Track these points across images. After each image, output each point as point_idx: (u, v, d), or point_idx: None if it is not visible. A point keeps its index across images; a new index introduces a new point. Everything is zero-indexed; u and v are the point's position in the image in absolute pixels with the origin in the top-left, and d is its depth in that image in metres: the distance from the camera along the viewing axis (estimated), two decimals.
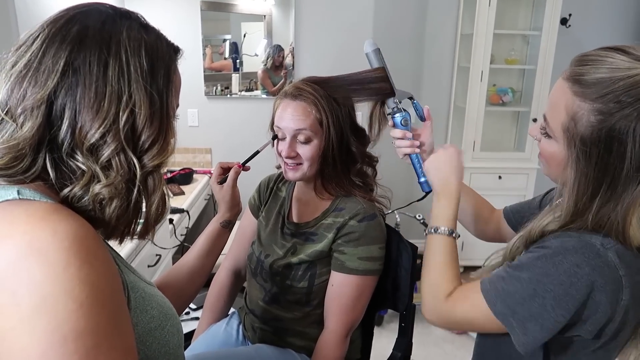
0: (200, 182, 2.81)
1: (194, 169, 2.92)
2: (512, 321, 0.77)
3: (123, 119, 0.59)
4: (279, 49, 2.89)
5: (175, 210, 2.33)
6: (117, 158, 0.59)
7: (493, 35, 2.87)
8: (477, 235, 1.20)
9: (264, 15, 2.86)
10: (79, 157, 0.58)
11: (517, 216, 1.10)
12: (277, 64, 2.92)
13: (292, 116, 1.10)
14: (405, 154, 1.11)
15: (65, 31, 0.59)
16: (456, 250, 0.94)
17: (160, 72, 0.64)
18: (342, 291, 1.14)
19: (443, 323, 0.89)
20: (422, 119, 1.12)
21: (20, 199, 0.55)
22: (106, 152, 0.59)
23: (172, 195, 2.52)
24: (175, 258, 2.74)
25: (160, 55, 0.65)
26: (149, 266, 1.95)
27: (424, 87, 3.28)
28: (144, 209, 0.66)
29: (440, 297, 0.87)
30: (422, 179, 1.09)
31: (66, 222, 0.52)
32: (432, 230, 0.94)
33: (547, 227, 0.79)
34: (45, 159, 0.58)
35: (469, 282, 0.88)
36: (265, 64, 2.92)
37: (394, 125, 1.11)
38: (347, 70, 1.12)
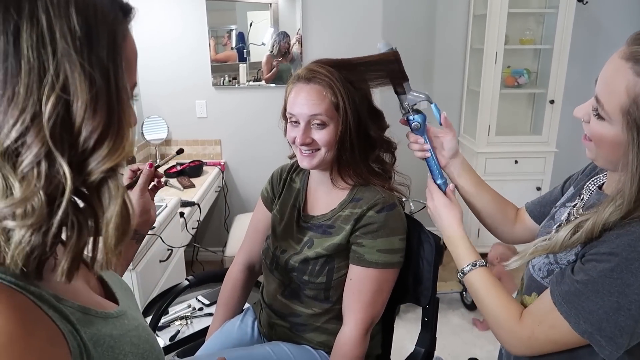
0: (210, 175, 2.79)
1: (204, 160, 2.91)
2: (599, 338, 0.75)
3: (47, 109, 0.43)
4: (284, 35, 2.84)
5: (186, 204, 2.30)
6: (37, 168, 0.43)
7: (507, 14, 2.77)
8: (507, 239, 1.16)
9: (270, 4, 2.81)
10: None
11: (541, 208, 1.08)
12: (283, 51, 2.86)
13: (306, 101, 1.04)
14: (420, 157, 1.11)
15: None
16: (492, 275, 0.95)
17: (102, 39, 0.47)
18: (361, 285, 1.09)
19: (528, 349, 0.86)
20: (441, 123, 1.09)
21: None
22: (27, 159, 0.43)
23: (182, 189, 2.48)
24: (187, 252, 2.71)
25: (101, 15, 0.47)
26: (160, 261, 1.92)
27: (436, 70, 3.18)
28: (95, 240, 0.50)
29: (512, 324, 0.86)
30: (440, 181, 1.09)
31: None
32: (462, 273, 0.97)
33: (609, 218, 0.75)
34: None
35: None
36: (272, 51, 2.87)
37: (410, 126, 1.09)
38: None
